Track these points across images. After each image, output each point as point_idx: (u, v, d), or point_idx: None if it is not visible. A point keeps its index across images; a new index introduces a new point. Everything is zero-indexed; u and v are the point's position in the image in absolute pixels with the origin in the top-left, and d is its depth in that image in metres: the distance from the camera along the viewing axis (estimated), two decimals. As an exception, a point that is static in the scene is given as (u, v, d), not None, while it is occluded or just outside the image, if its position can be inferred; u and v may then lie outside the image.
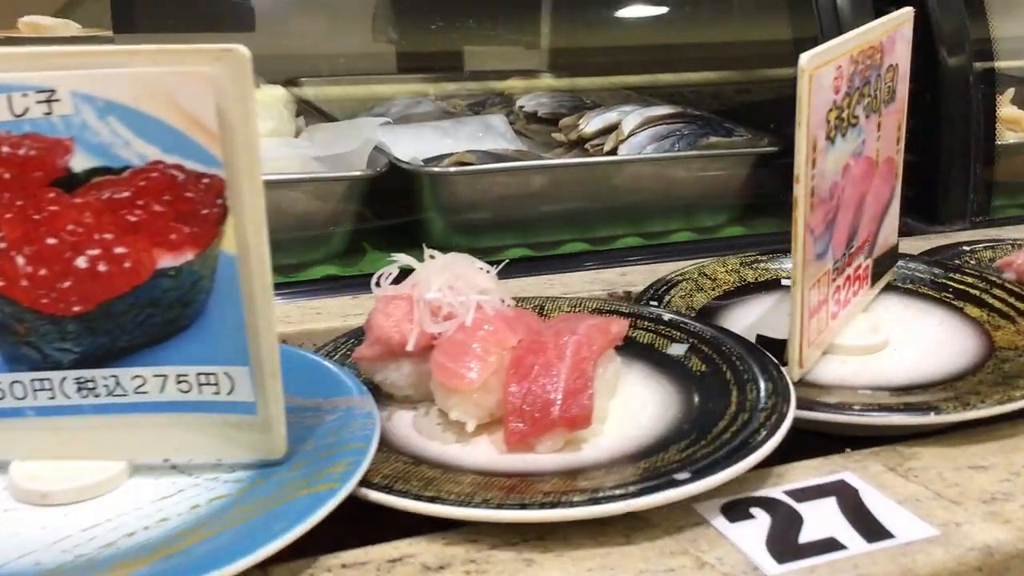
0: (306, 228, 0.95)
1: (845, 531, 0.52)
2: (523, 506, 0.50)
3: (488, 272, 0.66)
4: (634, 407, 0.64)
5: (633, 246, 1.04)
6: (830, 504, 0.55)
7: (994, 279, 0.81)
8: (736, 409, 0.60)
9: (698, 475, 0.52)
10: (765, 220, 1.11)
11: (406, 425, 0.62)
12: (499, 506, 0.50)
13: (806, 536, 0.52)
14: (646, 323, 0.72)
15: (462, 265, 0.65)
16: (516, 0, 1.60)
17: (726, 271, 0.85)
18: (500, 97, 1.38)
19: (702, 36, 1.54)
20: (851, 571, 0.49)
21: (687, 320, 0.73)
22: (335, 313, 0.79)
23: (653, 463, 0.55)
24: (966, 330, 0.75)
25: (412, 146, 1.06)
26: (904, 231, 1.08)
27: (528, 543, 0.51)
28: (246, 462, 0.54)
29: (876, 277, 0.80)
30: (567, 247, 1.03)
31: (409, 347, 0.61)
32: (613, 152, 1.11)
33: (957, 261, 0.91)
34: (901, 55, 0.76)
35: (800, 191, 0.62)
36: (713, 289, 0.83)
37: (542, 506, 0.50)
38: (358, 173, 0.96)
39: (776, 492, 0.56)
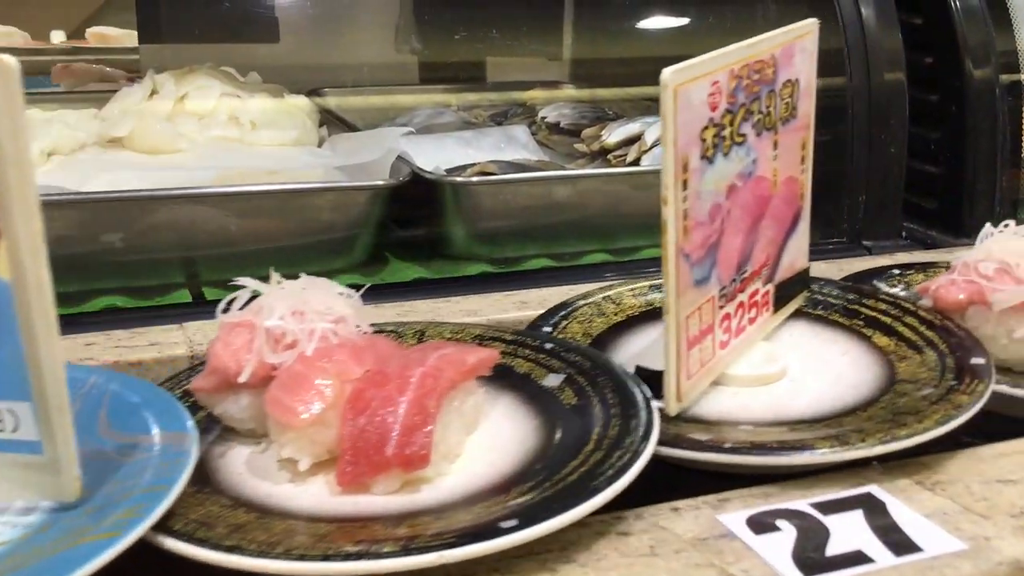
0: (329, 237, 0.95)
1: (872, 544, 0.52)
2: (326, 557, 0.46)
3: (350, 297, 0.62)
4: (492, 443, 0.59)
5: (655, 257, 1.04)
6: (857, 517, 0.54)
7: (908, 306, 0.76)
8: (593, 447, 0.55)
9: (526, 523, 0.48)
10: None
11: (240, 462, 0.58)
12: (301, 557, 0.46)
13: (833, 549, 0.51)
14: (527, 351, 0.68)
15: (316, 290, 0.61)
16: (538, 11, 1.60)
17: (632, 295, 0.81)
18: (522, 108, 1.38)
19: (725, 47, 1.54)
20: (878, 585, 0.48)
21: (570, 349, 0.68)
22: (357, 321, 0.79)
23: (488, 507, 0.51)
24: (871, 360, 0.71)
25: (434, 156, 1.07)
26: (929, 244, 1.08)
27: (552, 552, 0.50)
28: (41, 505, 0.50)
29: (781, 303, 0.74)
30: (589, 257, 1.03)
31: (242, 378, 0.57)
32: (636, 163, 1.11)
33: (883, 285, 0.86)
34: (802, 70, 0.71)
35: (669, 213, 0.58)
36: (616, 315, 0.78)
37: (346, 557, 0.46)
38: (380, 182, 0.97)
39: (802, 504, 0.55)
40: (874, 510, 0.55)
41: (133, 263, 0.86)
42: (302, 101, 1.21)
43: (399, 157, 1.01)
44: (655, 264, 0.99)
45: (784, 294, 0.75)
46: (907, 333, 0.73)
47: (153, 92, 1.12)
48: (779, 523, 0.53)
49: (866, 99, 1.07)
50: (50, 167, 0.99)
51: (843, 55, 1.07)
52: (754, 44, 0.64)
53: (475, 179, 1.00)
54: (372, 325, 0.64)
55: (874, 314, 0.76)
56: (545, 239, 1.02)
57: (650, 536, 0.52)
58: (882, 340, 0.73)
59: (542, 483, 0.53)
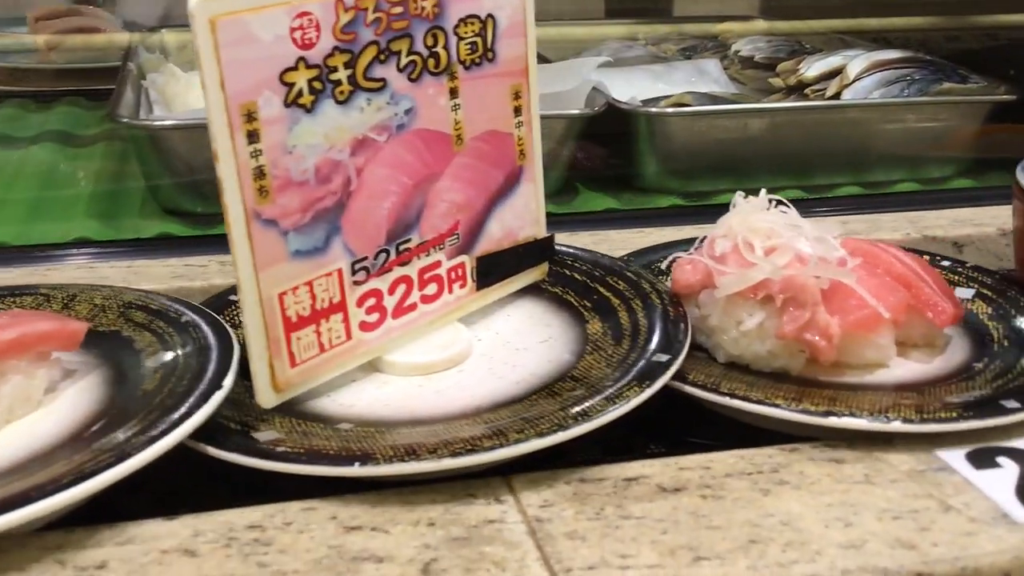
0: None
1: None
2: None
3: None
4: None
5: (854, 195, 1.01)
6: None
7: (646, 287, 0.65)
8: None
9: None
10: (996, 173, 1.05)
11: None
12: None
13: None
14: None
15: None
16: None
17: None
18: (713, 42, 1.35)
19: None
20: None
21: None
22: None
23: None
24: (567, 349, 0.61)
25: (626, 89, 1.06)
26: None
27: (763, 475, 0.51)
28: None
29: (492, 278, 0.65)
30: (783, 194, 1.01)
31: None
32: (836, 97, 1.07)
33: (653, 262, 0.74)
34: (503, 4, 0.61)
35: (225, 171, 0.49)
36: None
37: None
38: (576, 112, 0.97)
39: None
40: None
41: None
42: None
43: (594, 88, 1.01)
44: (853, 202, 0.97)
45: (497, 269, 0.65)
46: (623, 319, 0.62)
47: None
48: (1000, 460, 0.52)
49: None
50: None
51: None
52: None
53: (670, 110, 0.99)
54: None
55: (608, 295, 0.66)
56: (738, 174, 1.00)
57: (865, 465, 0.52)
58: (595, 326, 0.63)
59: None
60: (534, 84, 0.64)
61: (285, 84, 0.51)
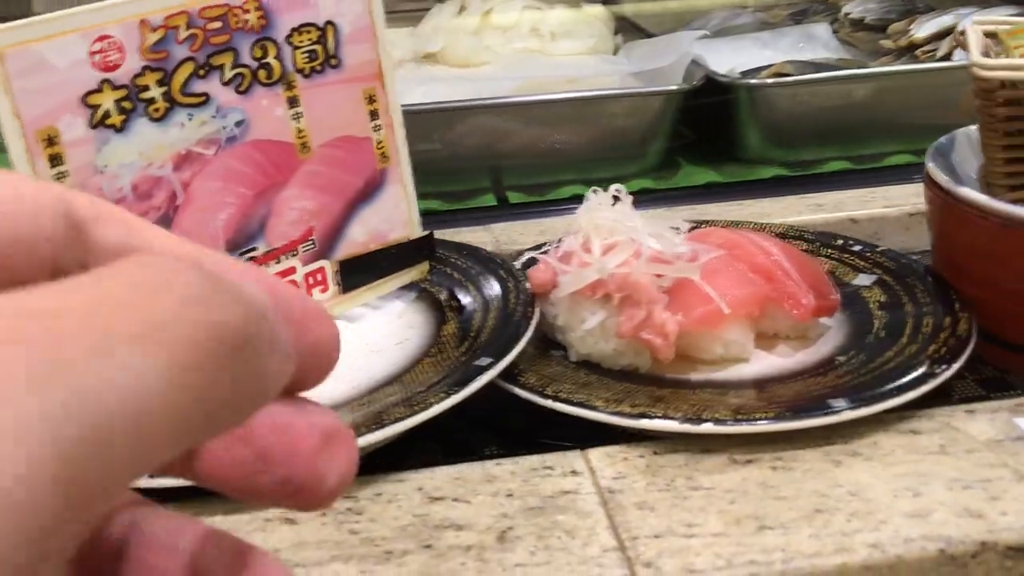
0: (623, 142, 0.98)
1: None
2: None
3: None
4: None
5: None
6: None
7: (510, 287, 0.63)
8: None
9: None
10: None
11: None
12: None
13: None
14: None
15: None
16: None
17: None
18: (823, 5, 1.33)
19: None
20: None
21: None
22: (650, 223, 0.82)
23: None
24: (417, 352, 0.60)
25: (731, 59, 1.06)
26: None
27: (835, 446, 0.52)
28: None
29: (361, 280, 0.64)
30: (891, 159, 0.99)
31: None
32: (947, 58, 1.04)
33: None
34: (344, 11, 0.60)
35: None
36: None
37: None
38: (674, 87, 0.98)
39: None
40: None
41: (445, 169, 0.94)
42: (598, 10, 1.23)
43: (693, 61, 1.02)
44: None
45: (363, 271, 0.64)
46: (476, 321, 0.61)
47: (462, 8, 1.18)
48: (1083, 431, 0.51)
49: None
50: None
51: None
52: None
53: (769, 81, 0.98)
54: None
55: (475, 294, 0.65)
56: (844, 141, 0.99)
57: (941, 436, 0.52)
58: (451, 327, 0.62)
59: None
60: (391, 86, 0.63)
61: (89, 106, 0.52)
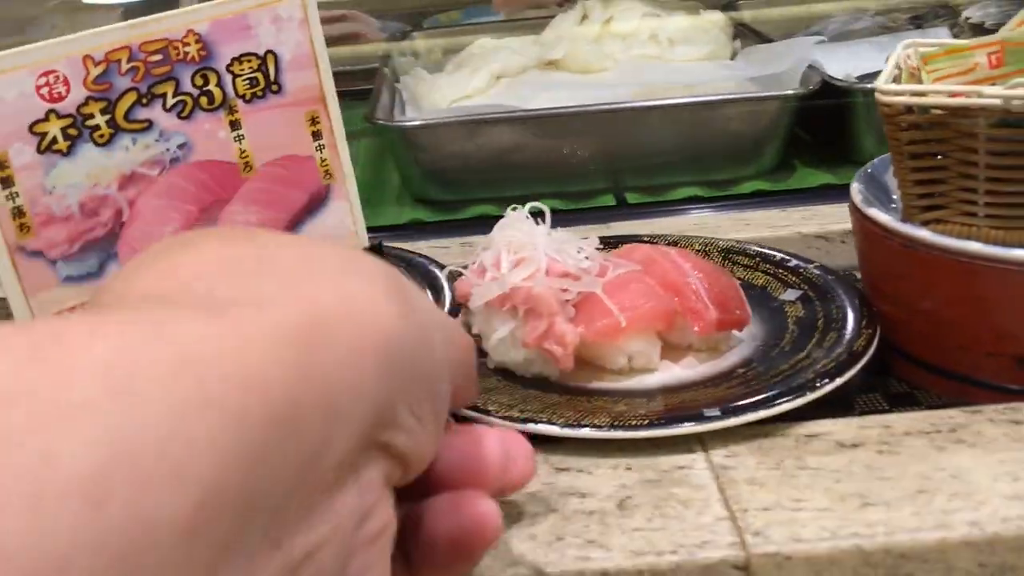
0: (739, 145, 1.01)
1: None
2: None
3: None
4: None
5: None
6: None
7: (439, 297, 0.68)
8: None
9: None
10: None
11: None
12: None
13: None
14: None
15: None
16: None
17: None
18: (943, 9, 1.33)
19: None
20: None
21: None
22: (762, 224, 0.85)
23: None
24: None
25: (848, 63, 1.08)
26: None
27: (941, 433, 0.54)
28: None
29: None
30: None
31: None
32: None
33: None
34: (284, 40, 0.63)
35: None
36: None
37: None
38: (790, 91, 1.01)
39: None
40: None
41: (567, 171, 0.98)
42: (716, 16, 1.26)
43: (810, 65, 1.04)
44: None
45: None
46: None
47: (583, 17, 1.23)
48: None
49: None
50: (499, 88, 1.14)
51: None
52: (138, 25, 0.59)
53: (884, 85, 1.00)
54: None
55: None
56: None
57: (1046, 426, 0.54)
58: None
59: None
60: (334, 109, 0.67)
61: (36, 134, 0.57)
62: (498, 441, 0.38)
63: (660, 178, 1.01)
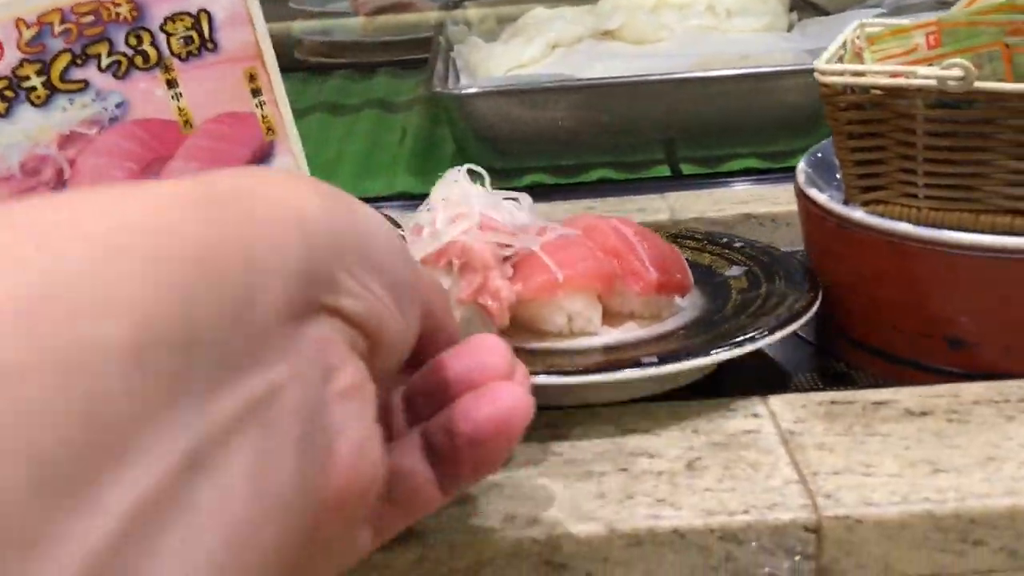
0: (795, 117, 1.00)
1: None
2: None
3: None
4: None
5: None
6: None
7: None
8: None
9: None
10: None
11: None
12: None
13: None
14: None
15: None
16: None
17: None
18: (1003, -18, 1.31)
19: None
20: None
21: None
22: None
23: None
24: None
25: (906, 36, 1.06)
26: None
27: (1010, 403, 0.54)
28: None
29: None
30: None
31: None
32: None
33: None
34: (220, 0, 0.63)
35: None
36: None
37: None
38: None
39: None
40: None
41: (622, 141, 0.99)
42: (774, -13, 1.25)
43: (868, 38, 1.03)
44: None
45: None
46: None
47: (640, -13, 1.23)
48: None
49: None
50: (554, 58, 1.14)
51: None
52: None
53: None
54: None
55: None
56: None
57: (1113, 395, 0.54)
58: None
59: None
60: (271, 65, 0.67)
61: None
62: (496, 340, 0.39)
63: (715, 149, 1.01)
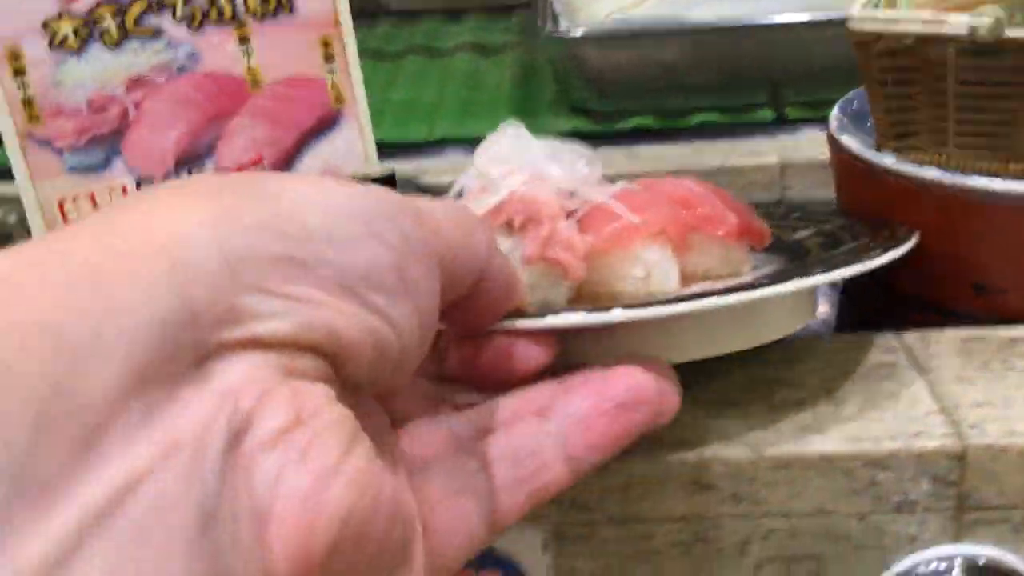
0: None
1: None
2: None
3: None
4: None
5: None
6: None
7: None
8: None
9: None
10: None
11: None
12: None
13: None
14: None
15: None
16: None
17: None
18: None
19: None
20: None
21: None
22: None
23: None
24: None
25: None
26: None
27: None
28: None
29: None
30: None
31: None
32: None
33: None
34: None
35: None
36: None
37: None
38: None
39: None
40: None
41: (726, 84, 0.99)
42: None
43: None
44: None
45: None
46: None
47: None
48: None
49: None
50: (655, 1, 1.14)
51: None
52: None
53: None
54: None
55: None
56: None
57: None
58: None
59: None
60: (348, 34, 0.67)
61: (48, 31, 0.61)
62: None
63: (821, 93, 1.00)
